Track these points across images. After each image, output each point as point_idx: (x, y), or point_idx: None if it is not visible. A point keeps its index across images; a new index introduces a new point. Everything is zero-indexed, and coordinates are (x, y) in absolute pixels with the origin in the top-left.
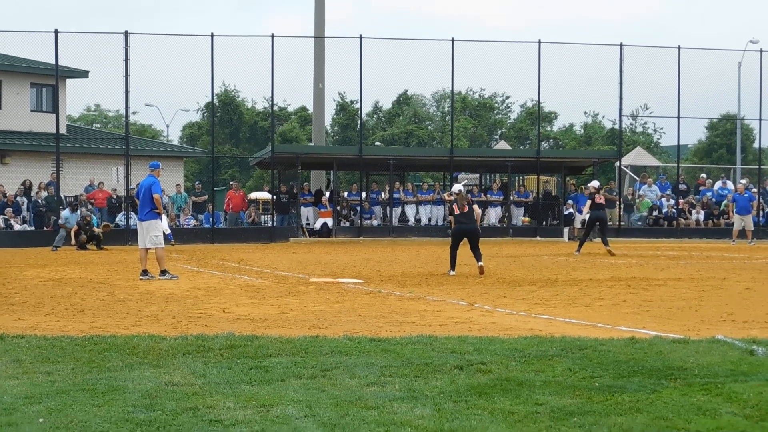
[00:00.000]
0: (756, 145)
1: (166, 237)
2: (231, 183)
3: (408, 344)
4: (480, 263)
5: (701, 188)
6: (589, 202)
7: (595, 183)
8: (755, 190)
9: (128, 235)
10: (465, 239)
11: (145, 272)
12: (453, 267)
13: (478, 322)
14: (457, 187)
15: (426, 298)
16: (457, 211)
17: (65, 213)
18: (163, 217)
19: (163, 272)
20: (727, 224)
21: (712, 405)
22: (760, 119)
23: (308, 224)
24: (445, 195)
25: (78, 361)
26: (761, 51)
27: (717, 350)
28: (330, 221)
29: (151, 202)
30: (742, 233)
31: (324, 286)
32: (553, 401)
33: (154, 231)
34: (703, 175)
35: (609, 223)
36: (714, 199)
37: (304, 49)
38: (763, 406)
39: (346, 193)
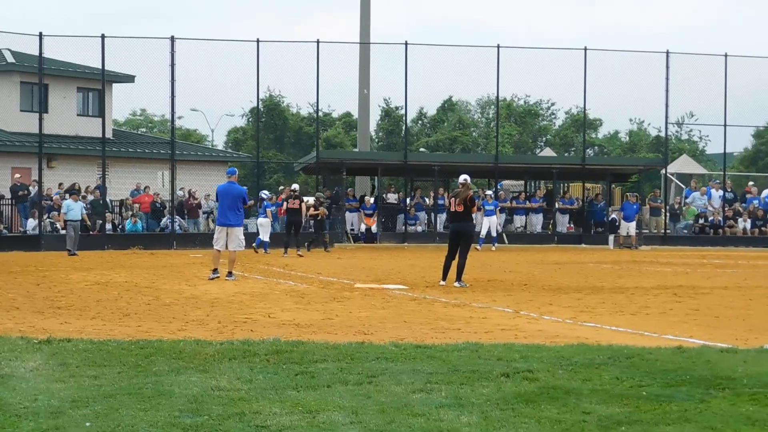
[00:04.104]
0: None
1: (263, 243)
2: (282, 188)
3: (454, 351)
4: (457, 283)
5: (747, 196)
6: None
7: None
8: None
9: (173, 239)
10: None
11: (230, 273)
12: (445, 275)
13: (524, 330)
14: (463, 177)
15: (471, 304)
16: (452, 208)
17: (67, 203)
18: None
19: (230, 274)
20: None
21: (762, 415)
22: None
23: (353, 229)
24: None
25: (124, 365)
26: None
27: (766, 360)
28: (374, 227)
29: (241, 208)
30: None
31: (369, 292)
32: (600, 410)
33: (241, 235)
34: (751, 183)
35: (654, 231)
36: (761, 208)
37: (349, 55)
38: None
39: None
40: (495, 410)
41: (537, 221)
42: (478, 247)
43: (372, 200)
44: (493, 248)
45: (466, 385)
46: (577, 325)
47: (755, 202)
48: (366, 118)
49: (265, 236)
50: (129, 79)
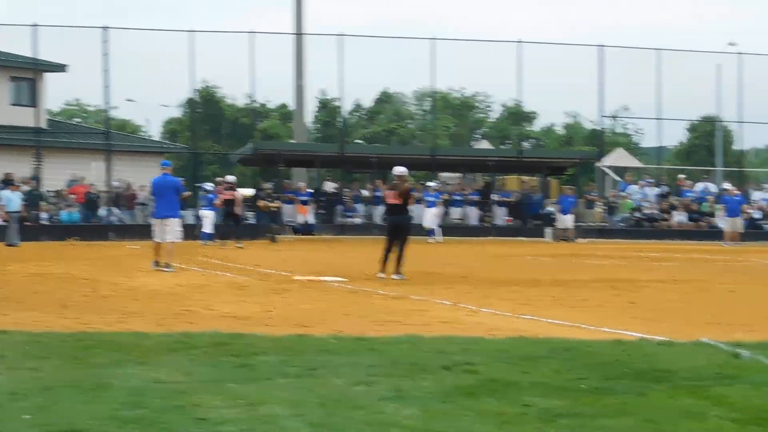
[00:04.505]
0: (736, 147)
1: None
2: (217, 179)
3: (394, 344)
4: (396, 275)
5: (681, 189)
6: None
7: None
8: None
9: (110, 230)
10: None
11: (168, 265)
12: (383, 268)
13: (464, 322)
14: (400, 169)
15: (410, 297)
16: (391, 201)
17: (6, 194)
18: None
19: (168, 265)
20: (710, 226)
21: (700, 408)
22: (740, 121)
23: (291, 221)
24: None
25: (63, 358)
26: (740, 53)
27: (703, 353)
28: (310, 218)
29: (177, 200)
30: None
31: (308, 285)
32: (541, 402)
33: (177, 227)
34: (682, 176)
35: (591, 223)
36: (695, 201)
37: (285, 47)
38: (750, 410)
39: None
40: (436, 403)
41: (473, 214)
42: (430, 239)
43: (305, 187)
44: (433, 240)
45: (407, 378)
46: (516, 317)
47: (689, 194)
48: (302, 110)
49: (207, 228)
50: (61, 68)
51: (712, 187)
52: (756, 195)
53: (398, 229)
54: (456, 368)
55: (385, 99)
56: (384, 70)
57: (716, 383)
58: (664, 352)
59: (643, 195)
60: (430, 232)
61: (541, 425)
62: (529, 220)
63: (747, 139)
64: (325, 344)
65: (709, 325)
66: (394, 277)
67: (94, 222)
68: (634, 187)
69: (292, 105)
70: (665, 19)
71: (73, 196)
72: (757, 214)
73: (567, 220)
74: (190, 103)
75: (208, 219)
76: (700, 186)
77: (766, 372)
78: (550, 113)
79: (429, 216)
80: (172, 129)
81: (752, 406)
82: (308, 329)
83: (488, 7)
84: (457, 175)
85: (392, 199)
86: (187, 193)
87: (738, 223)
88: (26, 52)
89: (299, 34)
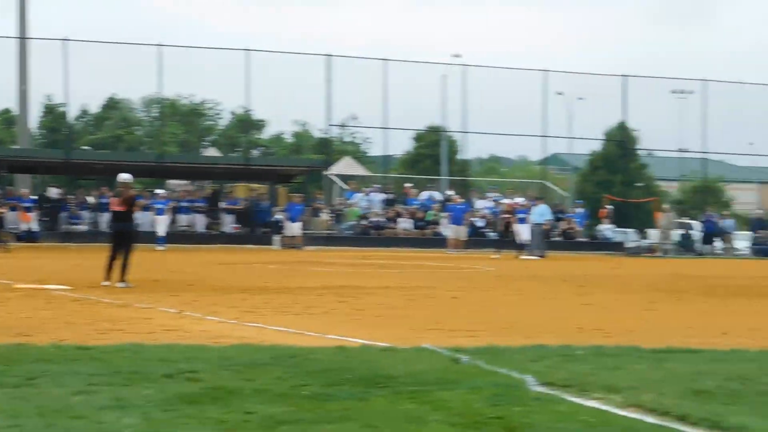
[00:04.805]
0: (460, 156)
1: None
2: None
3: (116, 352)
4: (121, 283)
5: (407, 197)
6: None
7: None
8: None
9: None
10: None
11: None
12: (108, 276)
13: (189, 330)
14: (124, 176)
15: (135, 305)
16: (115, 208)
17: None
18: None
19: None
20: (435, 234)
21: (419, 413)
22: (464, 131)
23: (14, 228)
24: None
25: None
26: (464, 65)
27: (424, 358)
28: (34, 225)
29: None
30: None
31: (30, 293)
32: (263, 409)
33: None
34: (408, 184)
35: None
36: (420, 209)
37: (7, 51)
38: (468, 414)
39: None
40: (157, 412)
41: (200, 221)
42: (159, 247)
43: (28, 193)
44: (162, 248)
45: (128, 387)
46: (241, 325)
47: (415, 203)
48: (26, 115)
49: None
50: None
51: (437, 196)
52: (479, 203)
53: (122, 237)
54: (179, 376)
55: (112, 105)
56: (111, 76)
57: (437, 388)
58: (387, 357)
59: (369, 203)
60: (159, 240)
61: None
62: (257, 227)
63: (471, 149)
64: (45, 353)
65: (431, 331)
66: (119, 285)
67: None
68: (359, 195)
69: (16, 110)
70: (392, 30)
71: None
72: (480, 223)
73: (295, 228)
74: None
75: None
76: (425, 194)
77: (484, 377)
78: (280, 121)
79: (159, 223)
80: None
81: (471, 411)
82: (29, 338)
83: (215, 14)
84: (185, 182)
85: (116, 206)
86: None
87: (462, 231)
88: None
89: (22, 38)
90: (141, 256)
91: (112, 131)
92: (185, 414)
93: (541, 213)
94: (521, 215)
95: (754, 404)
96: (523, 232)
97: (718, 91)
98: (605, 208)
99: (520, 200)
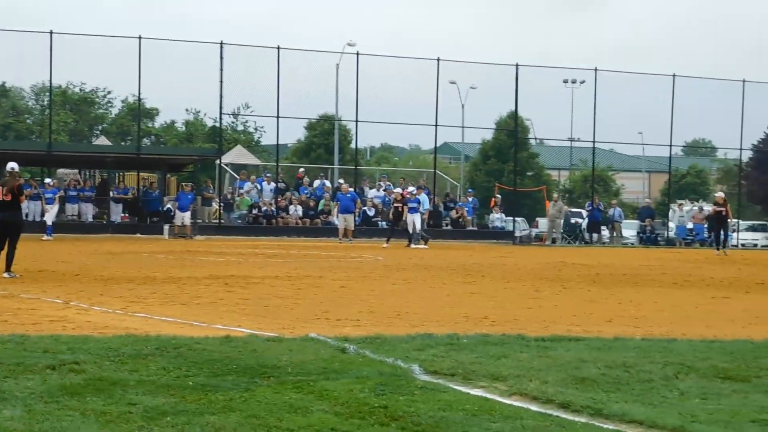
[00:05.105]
0: (353, 145)
1: None
2: None
3: None
4: (6, 273)
5: (299, 186)
6: None
7: None
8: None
9: None
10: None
11: None
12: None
13: (74, 321)
14: (10, 165)
15: (20, 296)
16: (1, 197)
17: None
18: None
19: None
20: (325, 223)
21: (304, 403)
22: (357, 120)
23: None
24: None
25: None
26: (357, 54)
27: (310, 348)
28: None
29: None
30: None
31: None
32: (146, 401)
33: None
34: (302, 170)
35: (208, 221)
36: (311, 198)
37: None
38: (353, 404)
39: None
40: (39, 403)
41: (89, 210)
42: (46, 237)
43: None
44: (47, 237)
45: (11, 378)
46: (127, 315)
47: (306, 192)
48: None
49: None
50: None
51: (329, 185)
52: (370, 193)
53: (8, 227)
54: (62, 368)
55: (2, 93)
56: (1, 63)
57: (322, 378)
58: (273, 347)
59: (260, 192)
60: (47, 230)
61: (145, 423)
62: (147, 217)
63: (362, 138)
64: None
65: (319, 321)
66: (5, 275)
67: None
68: (249, 184)
69: None
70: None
71: None
72: (371, 212)
73: (185, 217)
74: None
75: None
76: (317, 183)
77: (370, 366)
78: (172, 110)
79: (47, 213)
80: None
81: (355, 400)
82: None
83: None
84: (75, 171)
85: (2, 195)
86: None
87: (351, 220)
88: None
89: None
90: (28, 246)
91: (1, 119)
92: (67, 406)
93: (421, 202)
94: (412, 204)
95: (636, 392)
96: (414, 221)
97: (608, 80)
98: (495, 197)
99: (411, 189)
